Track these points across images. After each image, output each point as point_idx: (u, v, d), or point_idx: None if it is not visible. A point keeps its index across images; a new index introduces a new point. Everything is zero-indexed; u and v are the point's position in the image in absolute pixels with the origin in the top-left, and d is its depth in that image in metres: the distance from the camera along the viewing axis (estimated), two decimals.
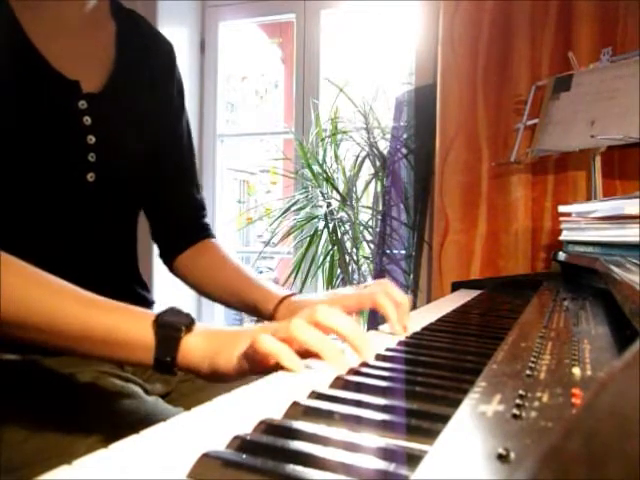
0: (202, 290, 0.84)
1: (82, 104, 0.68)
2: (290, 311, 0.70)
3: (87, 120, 0.69)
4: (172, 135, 0.85)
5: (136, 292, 0.82)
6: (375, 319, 0.69)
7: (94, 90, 0.70)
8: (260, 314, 0.75)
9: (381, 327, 0.65)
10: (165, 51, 0.85)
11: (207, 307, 2.33)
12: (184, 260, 0.86)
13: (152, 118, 0.79)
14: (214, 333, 0.52)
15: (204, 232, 0.88)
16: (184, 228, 0.87)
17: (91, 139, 0.69)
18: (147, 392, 0.70)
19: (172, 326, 0.50)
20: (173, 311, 0.52)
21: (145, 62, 0.79)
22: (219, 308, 2.35)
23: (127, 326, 0.51)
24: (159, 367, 0.51)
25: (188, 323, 0.51)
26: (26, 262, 0.52)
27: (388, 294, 0.64)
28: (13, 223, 0.65)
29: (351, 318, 0.50)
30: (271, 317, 0.73)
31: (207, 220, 0.90)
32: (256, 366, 0.47)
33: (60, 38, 0.69)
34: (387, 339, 0.56)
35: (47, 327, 0.50)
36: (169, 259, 0.87)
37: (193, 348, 0.50)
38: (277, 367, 0.45)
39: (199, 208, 0.90)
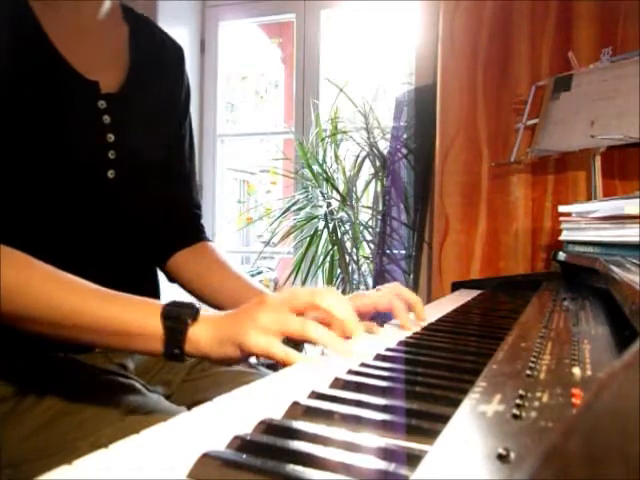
0: (195, 292, 0.84)
1: (102, 104, 0.70)
2: None
3: (106, 119, 0.70)
4: (176, 136, 0.86)
5: (149, 288, 0.83)
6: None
7: (112, 90, 0.72)
8: None
9: (392, 321, 0.68)
10: (175, 54, 0.86)
11: None
12: (179, 259, 0.86)
13: (163, 118, 0.81)
14: (218, 321, 0.55)
15: (200, 234, 0.88)
16: (182, 226, 0.88)
17: (110, 137, 0.70)
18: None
19: (178, 318, 0.54)
20: (178, 303, 0.55)
21: (156, 64, 0.81)
22: None
23: (138, 319, 0.54)
24: (169, 357, 0.54)
25: (193, 314, 0.54)
26: (45, 258, 0.56)
27: (401, 295, 0.67)
28: (34, 220, 0.66)
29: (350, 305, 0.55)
30: None
31: (202, 222, 0.91)
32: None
33: (78, 40, 0.71)
34: (392, 335, 0.56)
35: (64, 322, 0.54)
36: (162, 259, 0.87)
37: (199, 337, 0.53)
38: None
39: (196, 209, 0.90)
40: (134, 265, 0.79)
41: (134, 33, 0.79)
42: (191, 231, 0.88)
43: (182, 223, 0.88)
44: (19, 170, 0.65)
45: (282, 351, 0.49)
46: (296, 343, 0.55)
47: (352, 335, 0.52)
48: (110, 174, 0.71)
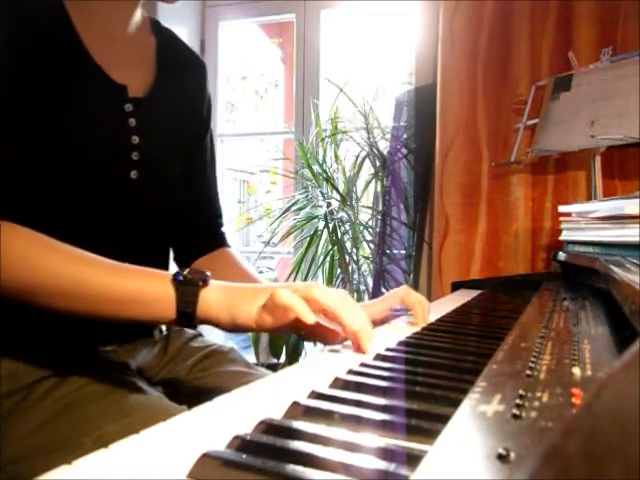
0: None
1: (128, 107, 0.73)
2: None
3: (132, 122, 0.73)
4: (199, 147, 0.89)
5: None
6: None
7: (139, 95, 0.75)
8: None
9: (393, 321, 0.70)
10: (198, 68, 0.90)
11: None
12: (200, 266, 0.88)
13: (184, 126, 0.83)
14: (231, 287, 0.57)
15: (221, 240, 0.91)
16: (203, 235, 0.90)
17: (135, 139, 0.73)
18: None
19: (190, 281, 0.56)
20: (189, 270, 0.57)
21: (180, 75, 0.84)
22: None
23: (149, 285, 0.56)
24: (181, 320, 0.56)
25: (204, 278, 0.56)
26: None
27: (408, 296, 0.71)
28: (55, 215, 0.68)
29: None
30: None
31: (224, 229, 0.93)
32: (275, 320, 0.52)
33: (109, 46, 0.73)
34: (392, 335, 0.56)
35: (71, 292, 0.55)
36: (184, 263, 0.90)
37: (211, 300, 0.55)
38: (293, 328, 0.53)
39: (218, 217, 0.93)
40: (151, 264, 0.80)
41: (161, 45, 0.82)
42: (211, 239, 0.90)
43: (203, 231, 0.90)
44: (42, 166, 0.66)
45: (306, 311, 0.51)
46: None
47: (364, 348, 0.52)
48: (133, 174, 0.73)
